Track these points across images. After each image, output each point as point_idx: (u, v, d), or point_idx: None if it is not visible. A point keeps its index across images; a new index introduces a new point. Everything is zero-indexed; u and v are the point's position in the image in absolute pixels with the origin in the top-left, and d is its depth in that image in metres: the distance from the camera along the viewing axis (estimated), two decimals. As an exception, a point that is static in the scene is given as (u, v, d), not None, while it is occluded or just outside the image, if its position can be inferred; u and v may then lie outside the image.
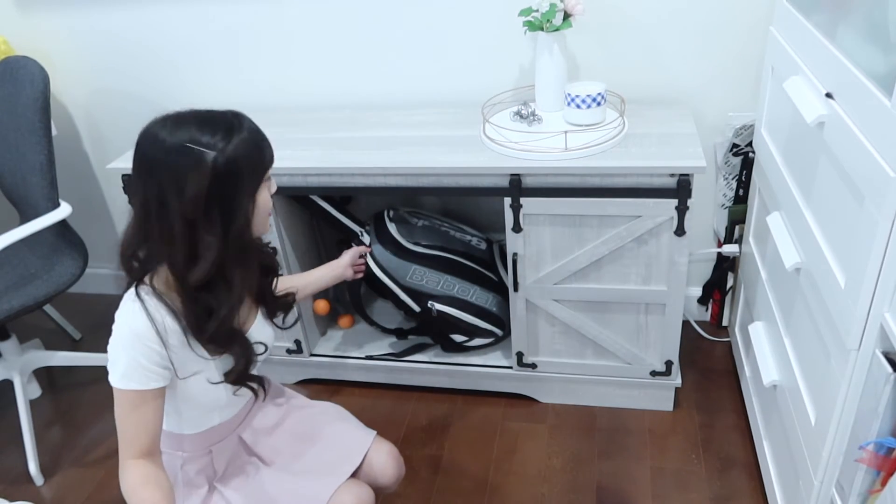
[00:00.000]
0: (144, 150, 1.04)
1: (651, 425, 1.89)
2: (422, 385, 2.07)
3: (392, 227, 1.98)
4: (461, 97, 2.02)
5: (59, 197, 1.89)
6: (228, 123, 1.05)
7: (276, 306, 1.33)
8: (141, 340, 1.05)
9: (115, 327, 1.08)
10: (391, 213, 2.01)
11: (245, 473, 1.28)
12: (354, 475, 1.30)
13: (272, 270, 1.32)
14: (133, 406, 1.07)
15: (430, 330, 2.03)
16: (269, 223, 1.16)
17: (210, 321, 1.10)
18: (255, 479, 1.27)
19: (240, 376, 1.18)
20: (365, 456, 1.33)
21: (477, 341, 2.01)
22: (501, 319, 1.97)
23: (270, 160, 1.12)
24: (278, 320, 1.34)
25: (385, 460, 1.34)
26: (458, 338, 2.01)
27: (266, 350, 1.27)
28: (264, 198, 1.11)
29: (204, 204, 1.02)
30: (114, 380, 1.07)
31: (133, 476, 1.07)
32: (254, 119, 1.11)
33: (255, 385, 1.23)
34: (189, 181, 1.01)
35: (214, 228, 1.04)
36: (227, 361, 1.17)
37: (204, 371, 1.15)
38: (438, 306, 1.94)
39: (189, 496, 1.25)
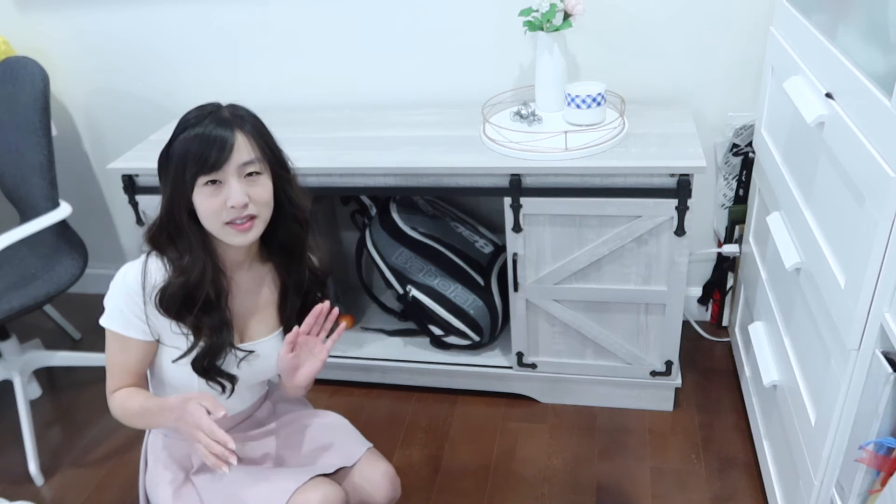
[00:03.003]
0: None
1: (651, 425, 1.89)
2: (421, 385, 2.07)
3: (394, 207, 2.03)
4: (461, 97, 2.02)
5: (59, 197, 1.90)
6: (194, 119, 1.12)
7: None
8: (126, 290, 1.16)
9: (116, 273, 1.19)
10: (398, 196, 2.04)
11: (221, 473, 1.26)
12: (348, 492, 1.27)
13: (307, 290, 1.29)
14: (115, 345, 1.18)
15: (413, 315, 2.05)
16: (221, 231, 1.13)
17: (165, 285, 1.16)
18: (228, 478, 1.23)
19: (203, 366, 1.18)
20: (358, 471, 1.29)
21: (453, 339, 2.01)
22: (479, 325, 1.95)
23: (206, 167, 1.09)
24: None
25: (380, 480, 1.29)
26: (436, 330, 2.01)
27: (252, 355, 1.25)
28: (201, 201, 1.12)
29: (159, 169, 1.17)
30: (102, 318, 1.18)
31: (117, 398, 1.19)
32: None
33: (223, 381, 1.21)
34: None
35: (162, 194, 1.17)
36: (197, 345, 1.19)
37: (180, 348, 1.18)
38: (415, 292, 1.95)
39: (164, 480, 1.26)
